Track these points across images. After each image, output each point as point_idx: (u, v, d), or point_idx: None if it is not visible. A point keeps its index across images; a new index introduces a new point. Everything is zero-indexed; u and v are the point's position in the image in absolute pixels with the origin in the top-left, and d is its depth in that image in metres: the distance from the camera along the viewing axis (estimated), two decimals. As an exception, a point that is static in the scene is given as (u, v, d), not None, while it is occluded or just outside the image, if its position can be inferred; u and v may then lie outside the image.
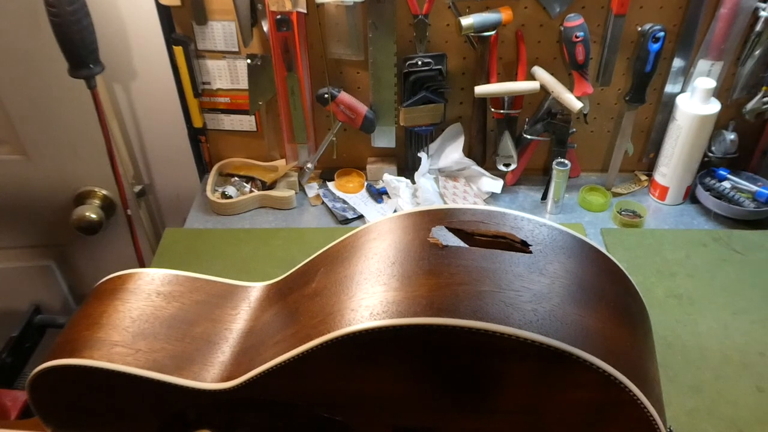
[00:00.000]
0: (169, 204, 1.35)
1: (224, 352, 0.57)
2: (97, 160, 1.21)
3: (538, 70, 1.09)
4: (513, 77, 1.11)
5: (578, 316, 0.50)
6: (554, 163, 1.10)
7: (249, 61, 1.11)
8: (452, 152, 1.17)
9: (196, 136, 1.22)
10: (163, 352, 0.56)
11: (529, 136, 1.14)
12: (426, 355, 0.50)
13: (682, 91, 1.12)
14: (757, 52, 1.06)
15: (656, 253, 1.03)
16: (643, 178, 1.22)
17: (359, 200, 1.18)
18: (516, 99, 1.12)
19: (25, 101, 1.16)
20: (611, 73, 1.10)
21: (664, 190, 1.15)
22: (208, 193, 1.16)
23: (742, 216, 1.10)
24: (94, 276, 0.75)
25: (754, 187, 1.12)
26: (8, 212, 1.33)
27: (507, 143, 1.15)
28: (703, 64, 1.08)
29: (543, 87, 1.08)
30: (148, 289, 0.61)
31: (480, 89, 1.08)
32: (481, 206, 0.56)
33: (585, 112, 1.11)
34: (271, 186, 1.19)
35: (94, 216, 1.27)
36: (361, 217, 1.14)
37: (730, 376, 0.83)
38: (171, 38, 1.09)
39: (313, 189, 1.20)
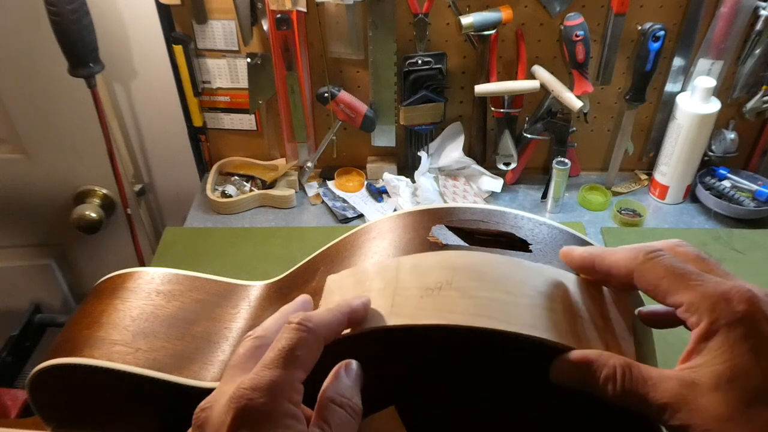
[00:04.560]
0: (169, 203, 1.35)
1: (224, 351, 0.57)
2: (97, 159, 1.21)
3: (538, 69, 1.09)
4: (513, 76, 1.11)
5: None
6: (554, 162, 1.10)
7: (249, 60, 1.11)
8: (452, 151, 1.17)
9: (196, 135, 1.22)
10: (163, 351, 0.56)
11: (529, 135, 1.14)
12: (425, 355, 0.50)
13: (683, 90, 1.12)
14: (757, 51, 1.06)
15: (656, 252, 1.03)
16: (643, 177, 1.22)
17: (359, 199, 1.18)
18: (516, 98, 1.12)
19: (25, 100, 1.16)
20: (611, 72, 1.10)
21: (664, 189, 1.15)
22: (208, 192, 1.16)
23: (743, 215, 1.10)
24: (94, 275, 0.75)
25: (755, 186, 1.12)
26: (8, 211, 1.33)
27: (507, 142, 1.15)
28: (703, 63, 1.08)
29: (543, 86, 1.08)
30: (147, 288, 0.61)
31: (480, 88, 1.08)
32: (481, 205, 0.56)
33: (585, 111, 1.10)
34: (271, 185, 1.19)
35: (94, 215, 1.27)
36: (361, 216, 1.14)
37: (730, 375, 0.83)
38: (171, 37, 1.09)
39: (313, 188, 1.20)
